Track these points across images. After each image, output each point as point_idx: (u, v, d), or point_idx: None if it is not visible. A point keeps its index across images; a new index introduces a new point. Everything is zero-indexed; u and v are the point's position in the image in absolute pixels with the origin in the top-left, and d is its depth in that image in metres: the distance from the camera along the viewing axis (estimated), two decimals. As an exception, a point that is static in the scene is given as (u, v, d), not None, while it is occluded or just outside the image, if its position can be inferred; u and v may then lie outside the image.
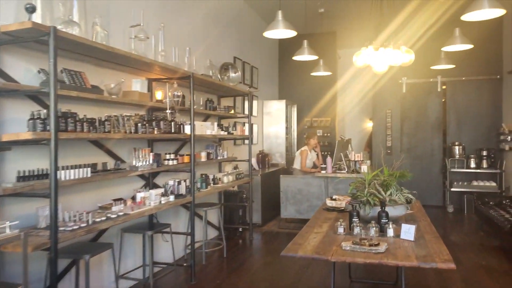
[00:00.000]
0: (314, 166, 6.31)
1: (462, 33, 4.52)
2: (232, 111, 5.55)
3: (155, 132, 3.61)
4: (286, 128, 7.77)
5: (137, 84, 3.74)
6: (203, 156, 4.67)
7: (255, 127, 7.21)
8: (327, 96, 8.30)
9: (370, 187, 3.01)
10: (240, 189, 5.68)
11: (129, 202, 3.44)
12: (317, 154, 6.35)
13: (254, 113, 7.20)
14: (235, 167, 5.77)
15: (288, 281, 3.90)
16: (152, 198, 3.66)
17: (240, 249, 4.98)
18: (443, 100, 7.74)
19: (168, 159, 4.07)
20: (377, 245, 2.30)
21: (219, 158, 5.11)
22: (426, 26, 6.21)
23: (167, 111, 3.96)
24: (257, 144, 7.33)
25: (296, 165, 6.22)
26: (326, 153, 8.14)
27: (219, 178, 4.91)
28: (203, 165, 4.86)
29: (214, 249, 4.80)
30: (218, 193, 5.46)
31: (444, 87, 7.57)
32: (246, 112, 5.93)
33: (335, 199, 3.81)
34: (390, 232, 2.60)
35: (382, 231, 2.66)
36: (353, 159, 5.48)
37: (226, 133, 5.01)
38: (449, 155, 7.35)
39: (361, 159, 5.49)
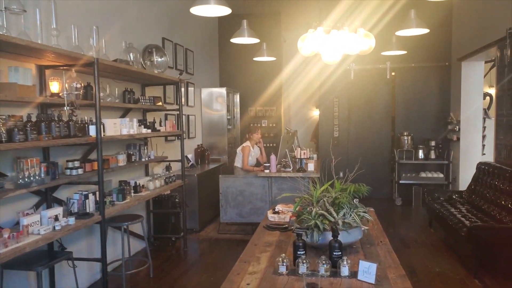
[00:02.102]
0: (258, 163, 5.69)
1: (417, 16, 4.05)
2: (160, 103, 4.72)
3: (43, 138, 2.73)
4: (228, 119, 7.05)
5: (16, 74, 2.80)
6: (121, 159, 3.84)
7: (192, 118, 6.42)
8: (272, 83, 7.67)
9: (319, 207, 2.41)
10: (173, 193, 4.91)
11: (6, 233, 2.56)
12: (261, 150, 5.72)
13: (191, 102, 6.39)
14: (167, 167, 4.99)
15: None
16: (44, 222, 2.81)
17: (170, 265, 4.25)
18: (392, 87, 7.43)
19: (71, 168, 3.22)
20: (330, 300, 1.70)
21: (143, 159, 4.30)
22: (377, 10, 5.74)
23: (65, 108, 3.07)
24: (195, 138, 6.55)
25: (238, 163, 5.55)
26: (272, 144, 7.58)
27: (143, 185, 4.10)
28: (122, 170, 4.02)
29: (138, 269, 4.02)
30: (146, 199, 4.66)
31: (393, 73, 7.23)
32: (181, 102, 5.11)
33: (277, 212, 3.20)
34: (345, 270, 2.01)
35: (335, 266, 2.08)
36: (299, 156, 4.91)
37: (149, 130, 4.19)
38: (398, 146, 7.08)
39: (307, 156, 4.93)
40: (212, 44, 7.63)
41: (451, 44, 6.97)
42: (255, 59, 6.05)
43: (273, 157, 4.92)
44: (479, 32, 5.77)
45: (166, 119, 5.25)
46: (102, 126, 3.32)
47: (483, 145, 6.72)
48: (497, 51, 5.17)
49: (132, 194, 3.88)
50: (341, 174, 2.73)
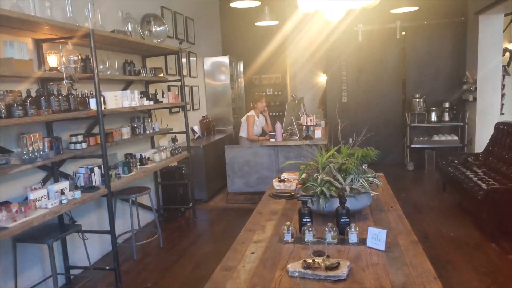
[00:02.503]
0: (264, 132, 5.60)
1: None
2: (162, 74, 4.61)
3: (43, 113, 2.67)
4: (232, 88, 6.90)
5: (12, 48, 2.71)
6: (125, 132, 3.80)
7: (195, 90, 6.30)
8: (276, 49, 7.41)
9: (325, 173, 2.33)
10: (180, 165, 4.89)
11: (15, 208, 2.56)
12: (266, 119, 5.61)
13: (193, 73, 6.25)
14: (173, 139, 4.94)
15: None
16: (51, 197, 2.81)
17: (180, 235, 4.28)
18: (402, 48, 7.13)
19: (75, 142, 3.18)
20: (336, 267, 1.64)
21: (148, 132, 4.25)
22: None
23: (64, 81, 3.00)
24: (199, 109, 6.45)
25: (243, 133, 5.47)
26: (277, 113, 7.46)
27: (149, 158, 4.07)
28: (127, 143, 3.98)
29: (148, 240, 4.05)
30: (154, 172, 4.64)
31: (403, 33, 6.90)
32: (184, 73, 4.97)
33: (283, 180, 3.14)
34: (353, 237, 1.95)
35: (343, 233, 2.02)
36: (305, 124, 4.79)
37: (152, 102, 4.10)
38: (409, 109, 6.88)
39: (314, 123, 4.81)
40: (212, 11, 7.38)
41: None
42: (257, 24, 5.84)
43: (278, 125, 4.82)
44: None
45: (169, 90, 5.15)
46: (102, 99, 3.26)
47: (502, 104, 6.43)
48: (519, 1, 4.82)
49: (138, 166, 3.85)
50: (350, 141, 2.61)
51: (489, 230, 3.76)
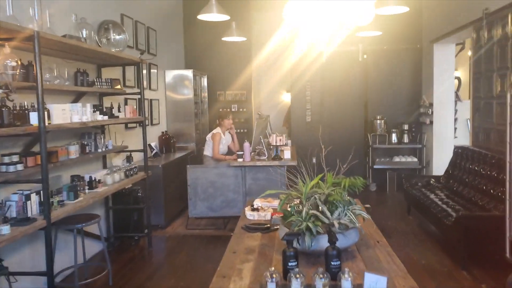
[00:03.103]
0: (230, 151, 5.27)
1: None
2: (119, 86, 4.17)
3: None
4: (196, 103, 6.55)
5: None
6: (73, 151, 3.31)
7: (155, 103, 5.87)
8: (242, 66, 7.20)
9: (309, 205, 2.05)
10: (135, 187, 4.42)
11: None
12: (232, 137, 5.30)
13: (154, 85, 5.83)
14: (128, 158, 4.47)
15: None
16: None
17: (133, 268, 3.78)
18: (364, 70, 7.19)
19: (8, 164, 2.67)
20: (337, 330, 1.35)
21: (100, 150, 3.77)
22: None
23: (-3, 90, 2.51)
24: (159, 124, 6.01)
25: (207, 151, 5.11)
26: (243, 130, 7.18)
27: (100, 180, 3.59)
28: (75, 163, 3.49)
29: (95, 278, 3.49)
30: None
31: (365, 56, 6.98)
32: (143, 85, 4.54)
33: (257, 209, 2.82)
34: (347, 284, 1.67)
35: (334, 278, 1.74)
36: (274, 143, 4.54)
37: (106, 117, 3.65)
38: (371, 130, 6.89)
39: (283, 143, 4.57)
40: (176, 22, 7.04)
41: (422, 26, 6.82)
42: (223, 39, 5.60)
43: (247, 144, 4.52)
44: (452, 14, 5.64)
45: (126, 104, 4.71)
46: (46, 112, 2.79)
47: (455, 128, 6.67)
48: (473, 32, 5.03)
49: (87, 191, 3.37)
50: (314, 160, 2.40)
51: (459, 257, 3.68)
